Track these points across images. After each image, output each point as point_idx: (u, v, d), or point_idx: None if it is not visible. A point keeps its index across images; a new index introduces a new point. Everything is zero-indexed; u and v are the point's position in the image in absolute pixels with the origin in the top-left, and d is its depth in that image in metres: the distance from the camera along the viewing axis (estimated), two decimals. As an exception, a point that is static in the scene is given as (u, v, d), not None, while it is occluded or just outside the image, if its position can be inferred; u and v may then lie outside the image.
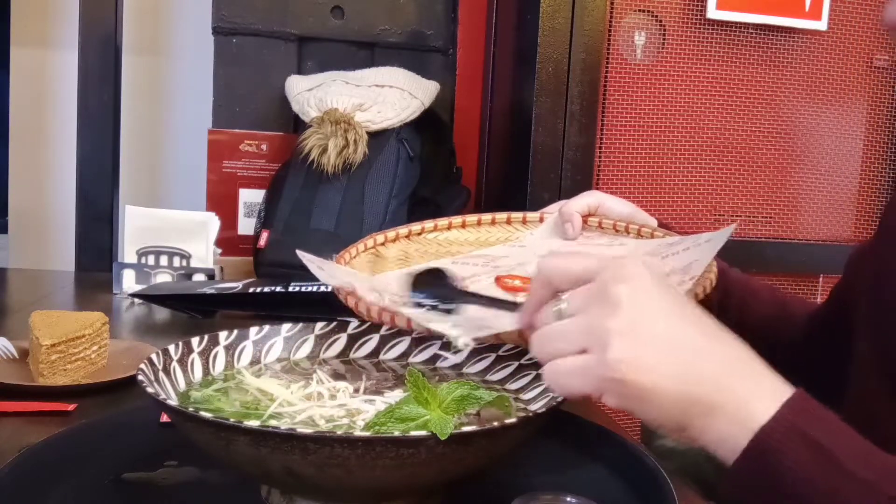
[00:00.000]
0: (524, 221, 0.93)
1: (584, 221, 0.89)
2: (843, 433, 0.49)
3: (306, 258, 0.74)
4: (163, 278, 1.38)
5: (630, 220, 0.88)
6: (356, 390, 0.67)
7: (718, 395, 0.48)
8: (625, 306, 0.49)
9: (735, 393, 0.49)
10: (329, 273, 0.74)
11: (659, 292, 0.51)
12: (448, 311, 0.65)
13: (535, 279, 0.56)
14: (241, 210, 1.66)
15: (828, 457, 0.47)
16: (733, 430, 0.48)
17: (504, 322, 0.61)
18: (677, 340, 0.50)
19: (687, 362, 0.49)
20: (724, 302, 0.88)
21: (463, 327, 0.60)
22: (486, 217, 0.93)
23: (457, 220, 0.92)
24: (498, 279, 0.73)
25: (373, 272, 0.82)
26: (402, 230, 0.89)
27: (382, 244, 0.86)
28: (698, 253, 0.75)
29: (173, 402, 0.59)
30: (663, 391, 0.48)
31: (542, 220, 0.92)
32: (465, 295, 0.67)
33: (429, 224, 0.90)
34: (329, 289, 1.15)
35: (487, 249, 0.88)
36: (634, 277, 0.50)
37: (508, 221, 0.93)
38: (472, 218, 0.92)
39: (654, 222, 0.91)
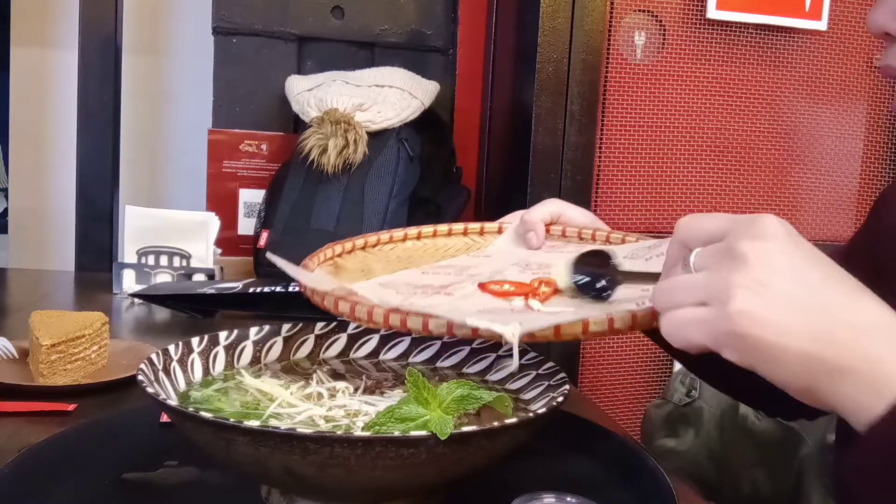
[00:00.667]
0: (482, 232, 0.90)
1: (547, 230, 0.86)
2: None
3: (282, 263, 0.72)
4: (163, 278, 1.38)
5: (596, 230, 0.86)
6: (356, 390, 0.67)
7: (851, 357, 0.46)
8: (751, 261, 0.47)
9: (871, 356, 0.46)
10: (308, 279, 0.71)
11: (792, 249, 0.49)
12: (606, 296, 0.64)
13: (671, 241, 0.55)
14: (241, 210, 1.66)
15: None
16: (867, 396, 0.45)
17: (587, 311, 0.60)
18: (808, 298, 0.47)
19: (816, 321, 0.47)
20: None
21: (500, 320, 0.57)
22: (443, 228, 0.90)
23: (412, 231, 0.89)
24: (482, 286, 0.71)
25: (336, 281, 0.81)
26: (359, 241, 0.86)
27: (340, 255, 0.83)
28: None
29: (173, 402, 0.59)
30: (787, 349, 0.46)
31: (500, 230, 0.90)
32: (624, 275, 0.64)
33: (385, 235, 0.88)
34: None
35: (452, 259, 0.85)
36: (766, 233, 0.48)
37: (465, 232, 0.90)
38: (427, 229, 0.90)
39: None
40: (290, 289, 1.15)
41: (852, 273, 0.53)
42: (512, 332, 0.54)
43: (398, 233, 0.89)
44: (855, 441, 0.46)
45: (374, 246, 0.86)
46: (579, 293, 0.65)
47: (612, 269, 0.65)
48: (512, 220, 0.90)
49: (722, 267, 0.48)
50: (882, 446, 0.45)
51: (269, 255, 0.72)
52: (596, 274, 0.65)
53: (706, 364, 0.65)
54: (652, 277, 0.59)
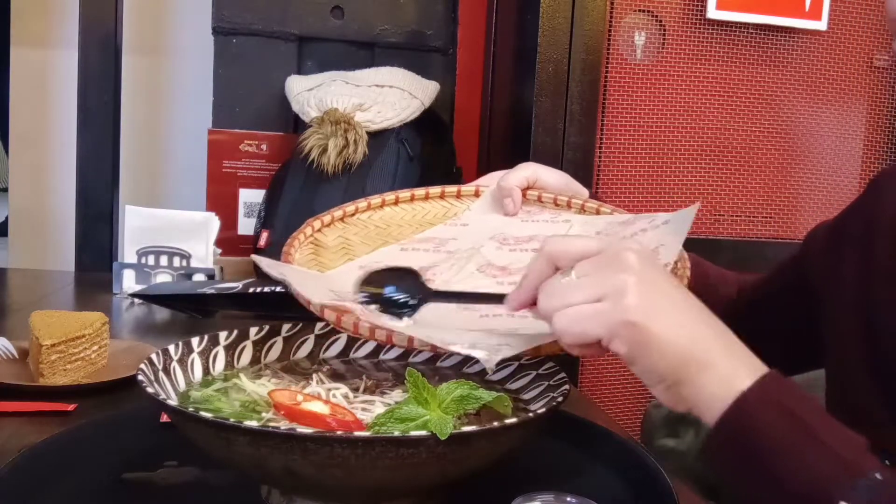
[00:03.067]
0: (458, 195, 0.90)
1: (523, 195, 0.87)
2: (811, 403, 0.52)
3: (265, 263, 0.72)
4: (163, 278, 1.38)
5: (568, 193, 0.87)
6: (355, 390, 0.67)
7: (715, 355, 0.52)
8: (636, 267, 0.53)
9: (727, 359, 0.53)
10: (294, 280, 0.71)
11: (658, 265, 0.56)
12: (413, 309, 0.64)
13: (535, 260, 0.57)
14: (241, 210, 1.66)
15: (798, 419, 0.51)
16: (720, 391, 0.52)
17: (530, 336, 0.61)
18: (684, 303, 0.54)
19: (693, 320, 0.53)
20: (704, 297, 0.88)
21: (482, 346, 0.59)
22: (420, 192, 0.90)
23: (390, 196, 0.89)
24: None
25: (320, 266, 0.80)
26: (337, 212, 0.86)
27: (320, 230, 0.83)
28: (660, 236, 0.72)
29: (173, 402, 0.59)
30: (670, 341, 0.51)
31: (477, 193, 0.90)
32: (439, 295, 0.66)
33: (362, 203, 0.87)
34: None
35: (430, 231, 0.85)
36: (638, 250, 0.54)
37: (442, 196, 0.90)
38: (405, 194, 0.89)
39: (585, 192, 0.90)
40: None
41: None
42: (488, 360, 0.57)
43: (376, 199, 0.88)
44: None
45: (353, 215, 0.86)
46: (384, 307, 0.65)
47: (422, 287, 0.66)
48: (488, 182, 0.90)
49: (610, 269, 0.53)
50: (724, 440, 0.52)
51: (255, 258, 0.72)
52: (405, 290, 0.66)
53: None
54: (463, 297, 0.64)
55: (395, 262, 0.77)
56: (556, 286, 0.55)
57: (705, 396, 0.52)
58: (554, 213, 0.84)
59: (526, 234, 0.81)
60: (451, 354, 0.76)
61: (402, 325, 0.63)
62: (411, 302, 0.65)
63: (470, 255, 0.77)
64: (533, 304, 0.57)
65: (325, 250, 0.82)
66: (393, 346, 0.67)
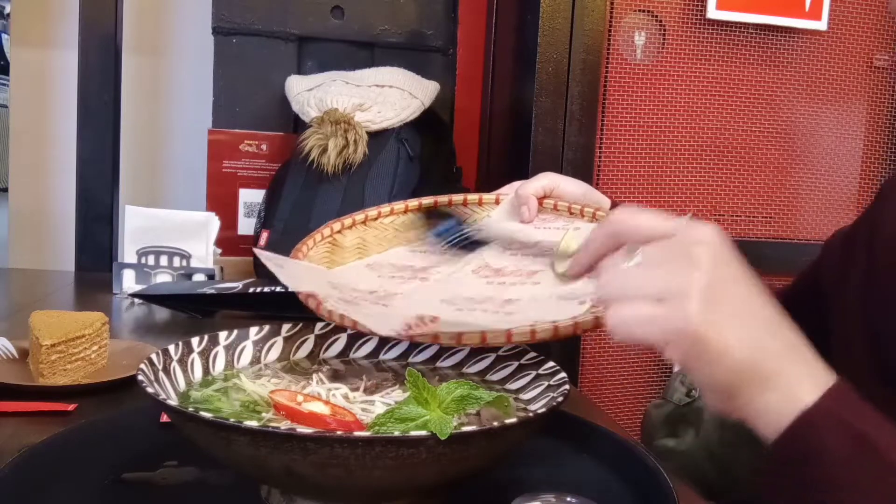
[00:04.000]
0: (480, 203, 0.92)
1: (540, 203, 0.89)
2: (884, 426, 0.48)
3: (264, 256, 0.73)
4: (163, 278, 1.38)
5: (584, 202, 0.88)
6: (355, 389, 0.67)
7: (777, 369, 0.49)
8: (705, 266, 0.49)
9: (790, 371, 0.49)
10: (289, 273, 0.73)
11: (733, 259, 0.51)
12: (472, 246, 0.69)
13: (599, 230, 0.56)
14: (241, 210, 1.66)
15: (869, 446, 0.47)
16: (781, 406, 0.48)
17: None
18: (753, 309, 0.50)
19: (759, 331, 0.49)
20: None
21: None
22: (443, 199, 0.92)
23: (413, 202, 0.90)
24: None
25: (331, 263, 0.82)
26: (359, 216, 0.87)
27: (339, 231, 0.85)
28: None
29: (173, 402, 0.59)
30: (730, 355, 0.48)
31: (497, 201, 0.92)
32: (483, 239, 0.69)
33: (385, 209, 0.89)
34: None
35: None
36: (712, 241, 0.50)
37: (465, 203, 0.92)
38: (427, 201, 0.91)
39: (607, 203, 0.92)
40: (290, 289, 1.15)
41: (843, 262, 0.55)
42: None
43: (399, 205, 0.90)
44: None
45: (375, 219, 0.88)
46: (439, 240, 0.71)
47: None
48: (509, 191, 0.92)
49: (678, 265, 0.49)
50: (786, 457, 0.48)
51: (257, 251, 0.74)
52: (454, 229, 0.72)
53: None
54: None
55: (402, 261, 0.80)
56: (618, 274, 0.52)
57: (763, 411, 0.49)
58: (567, 222, 0.86)
59: (533, 240, 0.82)
60: (452, 355, 0.76)
61: (374, 313, 0.66)
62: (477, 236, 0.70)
63: (470, 258, 0.78)
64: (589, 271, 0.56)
65: (341, 250, 0.84)
66: (360, 332, 0.68)
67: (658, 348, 0.50)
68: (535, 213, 0.88)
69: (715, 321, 0.48)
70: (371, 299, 0.71)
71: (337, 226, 0.85)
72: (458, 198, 0.92)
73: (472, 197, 0.93)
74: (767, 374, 0.48)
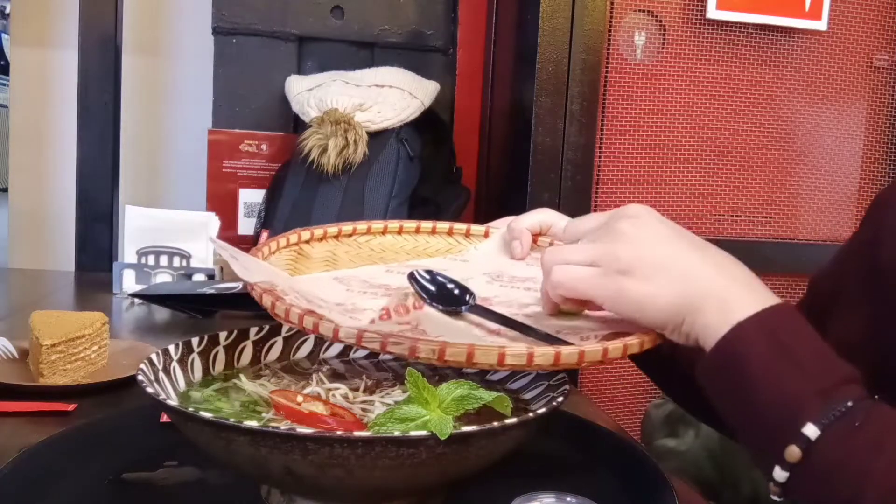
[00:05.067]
0: (467, 234, 0.84)
1: (534, 240, 0.81)
2: (812, 342, 0.54)
3: (219, 245, 0.68)
4: (163, 278, 1.38)
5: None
6: (355, 390, 0.67)
7: (709, 293, 0.56)
8: (630, 233, 0.58)
9: (724, 293, 0.56)
10: (243, 265, 0.67)
11: (658, 224, 0.60)
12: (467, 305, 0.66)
13: (563, 236, 0.66)
14: (241, 210, 1.66)
15: (786, 352, 0.52)
16: (716, 321, 0.54)
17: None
18: (676, 256, 0.58)
19: (684, 275, 0.57)
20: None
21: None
22: (427, 225, 0.84)
23: (394, 224, 0.83)
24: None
25: (294, 272, 0.75)
26: (332, 229, 0.80)
27: (307, 242, 0.78)
28: None
29: (173, 402, 0.59)
30: (656, 300, 0.56)
31: (487, 234, 0.84)
32: (475, 308, 0.66)
33: (362, 226, 0.81)
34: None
35: (426, 261, 0.80)
36: (637, 214, 0.60)
37: (450, 233, 0.84)
38: (410, 224, 0.84)
39: None
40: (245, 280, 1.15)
41: (848, 276, 0.59)
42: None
43: (377, 224, 0.83)
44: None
45: (350, 236, 0.81)
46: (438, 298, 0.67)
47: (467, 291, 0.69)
48: (500, 225, 0.85)
49: (607, 238, 0.59)
50: (716, 367, 0.55)
51: (211, 238, 0.68)
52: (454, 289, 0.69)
53: (692, 396, 0.78)
54: (504, 319, 0.64)
55: (375, 279, 0.74)
56: (560, 249, 0.62)
57: (703, 334, 0.55)
58: None
59: (524, 275, 0.76)
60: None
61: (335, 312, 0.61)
62: (468, 297, 0.67)
63: (463, 281, 0.73)
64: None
65: (308, 260, 0.77)
66: (322, 337, 0.60)
67: (601, 305, 0.59)
68: (527, 250, 0.80)
69: (644, 274, 0.57)
70: (338, 310, 0.65)
71: (306, 234, 0.78)
72: (442, 225, 0.85)
73: (459, 227, 0.85)
74: (699, 305, 0.55)
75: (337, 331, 0.55)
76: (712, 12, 1.46)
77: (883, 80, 1.57)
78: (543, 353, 0.55)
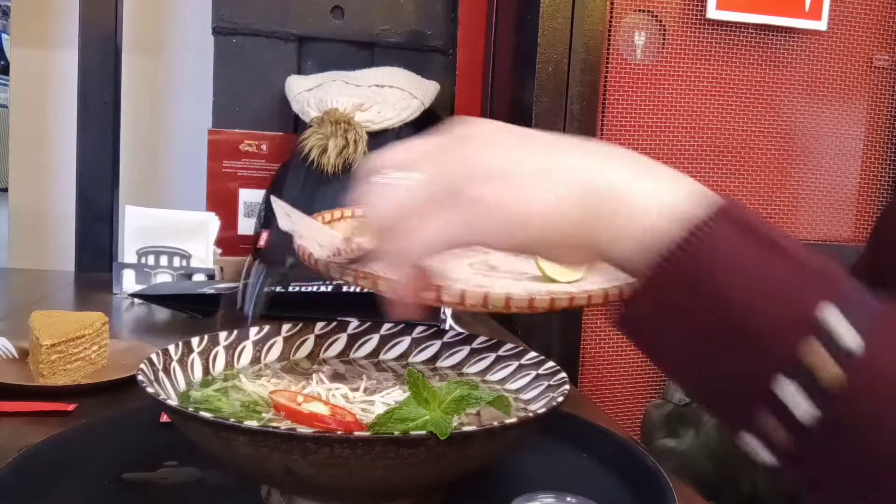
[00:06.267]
0: None
1: None
2: (782, 231, 0.41)
3: (278, 204, 0.66)
4: (163, 278, 1.37)
5: None
6: (355, 390, 0.67)
7: (614, 199, 0.40)
8: (477, 138, 0.43)
9: (636, 191, 0.41)
10: (297, 222, 0.65)
11: (508, 126, 0.44)
12: None
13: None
14: (241, 210, 1.66)
15: (769, 241, 0.39)
16: (654, 223, 0.40)
17: None
18: (551, 150, 0.42)
19: (572, 167, 0.41)
20: None
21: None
22: None
23: None
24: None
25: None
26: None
27: (339, 219, 0.81)
28: None
29: (173, 402, 0.59)
30: (551, 206, 0.41)
31: None
32: None
33: None
34: (329, 288, 1.16)
35: None
36: (473, 121, 0.44)
37: None
38: None
39: None
40: (291, 289, 1.16)
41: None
42: None
43: None
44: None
45: None
46: None
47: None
48: None
49: (444, 156, 0.42)
50: (674, 275, 0.39)
51: (273, 199, 0.67)
52: None
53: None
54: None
55: None
56: (388, 195, 0.44)
57: (641, 236, 0.40)
58: None
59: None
60: (452, 355, 0.76)
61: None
62: None
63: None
64: None
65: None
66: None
67: (481, 245, 0.43)
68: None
69: (511, 181, 0.41)
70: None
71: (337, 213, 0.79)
72: None
73: None
74: (609, 209, 0.40)
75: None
76: (712, 12, 1.46)
77: (883, 80, 1.57)
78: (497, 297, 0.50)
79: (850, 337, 0.35)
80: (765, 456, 0.37)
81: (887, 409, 0.34)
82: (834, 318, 0.35)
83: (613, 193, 0.40)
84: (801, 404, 0.35)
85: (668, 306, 0.39)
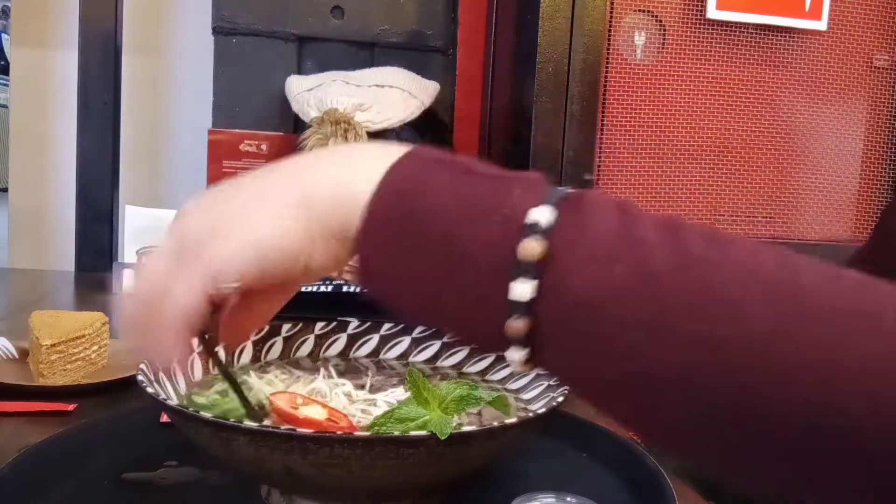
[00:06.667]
0: None
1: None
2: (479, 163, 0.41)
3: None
4: (163, 278, 1.37)
5: None
6: (360, 387, 0.67)
7: (327, 191, 0.41)
8: (185, 212, 0.44)
9: (343, 178, 0.41)
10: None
11: (211, 194, 0.45)
12: None
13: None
14: (241, 210, 1.66)
15: (465, 169, 0.39)
16: (357, 197, 0.40)
17: None
18: (255, 196, 0.43)
19: (277, 201, 0.42)
20: None
21: None
22: None
23: None
24: None
25: None
26: None
27: None
28: None
29: (173, 402, 0.59)
30: (272, 236, 0.41)
31: None
32: None
33: None
34: (329, 288, 1.15)
35: None
36: (186, 204, 0.45)
37: None
38: None
39: None
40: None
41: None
42: None
43: None
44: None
45: None
46: None
47: None
48: None
49: (168, 239, 0.44)
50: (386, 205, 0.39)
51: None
52: None
53: None
54: None
55: None
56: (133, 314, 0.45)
57: (350, 214, 0.40)
58: None
59: None
60: (452, 354, 0.76)
61: None
62: None
63: None
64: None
65: None
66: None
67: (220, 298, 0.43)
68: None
69: (231, 245, 0.41)
70: None
71: None
72: None
73: None
74: (319, 207, 0.41)
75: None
76: (712, 12, 1.46)
77: (883, 80, 1.57)
78: None
79: (548, 217, 0.36)
80: (519, 358, 0.38)
81: (582, 262, 0.35)
82: (540, 215, 0.36)
83: (324, 188, 0.41)
84: (525, 287, 0.36)
85: (390, 253, 0.39)
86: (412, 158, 0.40)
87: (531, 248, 0.35)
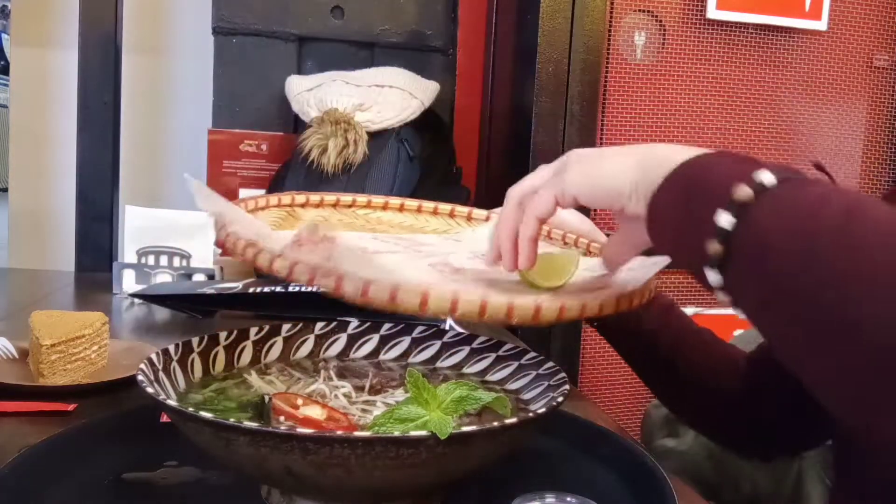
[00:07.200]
0: (469, 218, 0.84)
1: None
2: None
3: (195, 184, 0.62)
4: (163, 278, 1.37)
5: (582, 235, 0.80)
6: (360, 389, 0.67)
7: (645, 159, 0.58)
8: (572, 157, 0.63)
9: (659, 153, 0.59)
10: (206, 196, 0.62)
11: (590, 152, 0.63)
12: None
13: (506, 208, 0.63)
14: (241, 210, 1.66)
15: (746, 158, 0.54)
16: (657, 174, 0.56)
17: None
18: (612, 152, 0.61)
19: (623, 155, 0.60)
20: (658, 332, 0.87)
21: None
22: (428, 205, 0.83)
23: (395, 200, 0.82)
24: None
25: (279, 228, 0.71)
26: (330, 197, 0.79)
27: (302, 205, 0.76)
28: (642, 273, 0.66)
29: (173, 402, 0.59)
30: (615, 166, 0.59)
31: (488, 219, 0.83)
32: None
33: (362, 199, 0.80)
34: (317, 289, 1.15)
35: (416, 235, 0.78)
36: (570, 153, 0.63)
37: (452, 214, 0.84)
38: (412, 203, 0.83)
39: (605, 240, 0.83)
40: (290, 289, 1.16)
41: None
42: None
43: (378, 199, 0.83)
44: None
45: (349, 206, 0.80)
46: None
47: None
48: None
49: (554, 167, 0.64)
50: (671, 191, 0.55)
51: (187, 176, 0.63)
52: None
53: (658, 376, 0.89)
54: None
55: (356, 241, 0.71)
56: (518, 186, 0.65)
57: (647, 190, 0.56)
58: (560, 252, 0.77)
59: None
60: (452, 355, 0.76)
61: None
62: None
63: (432, 254, 0.70)
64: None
65: (297, 221, 0.75)
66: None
67: (560, 204, 0.61)
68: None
69: (589, 159, 0.61)
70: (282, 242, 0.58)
71: (301, 198, 0.77)
72: (444, 207, 0.84)
73: (462, 209, 0.85)
74: (652, 163, 0.57)
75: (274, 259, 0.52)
76: (712, 12, 1.46)
77: (883, 80, 1.57)
78: (496, 305, 0.52)
79: (769, 179, 0.47)
80: (714, 280, 0.48)
81: (790, 220, 0.45)
82: (767, 179, 0.47)
83: (657, 158, 0.57)
84: (728, 218, 0.47)
85: (668, 198, 0.55)
86: (712, 153, 0.57)
87: (744, 192, 0.47)
